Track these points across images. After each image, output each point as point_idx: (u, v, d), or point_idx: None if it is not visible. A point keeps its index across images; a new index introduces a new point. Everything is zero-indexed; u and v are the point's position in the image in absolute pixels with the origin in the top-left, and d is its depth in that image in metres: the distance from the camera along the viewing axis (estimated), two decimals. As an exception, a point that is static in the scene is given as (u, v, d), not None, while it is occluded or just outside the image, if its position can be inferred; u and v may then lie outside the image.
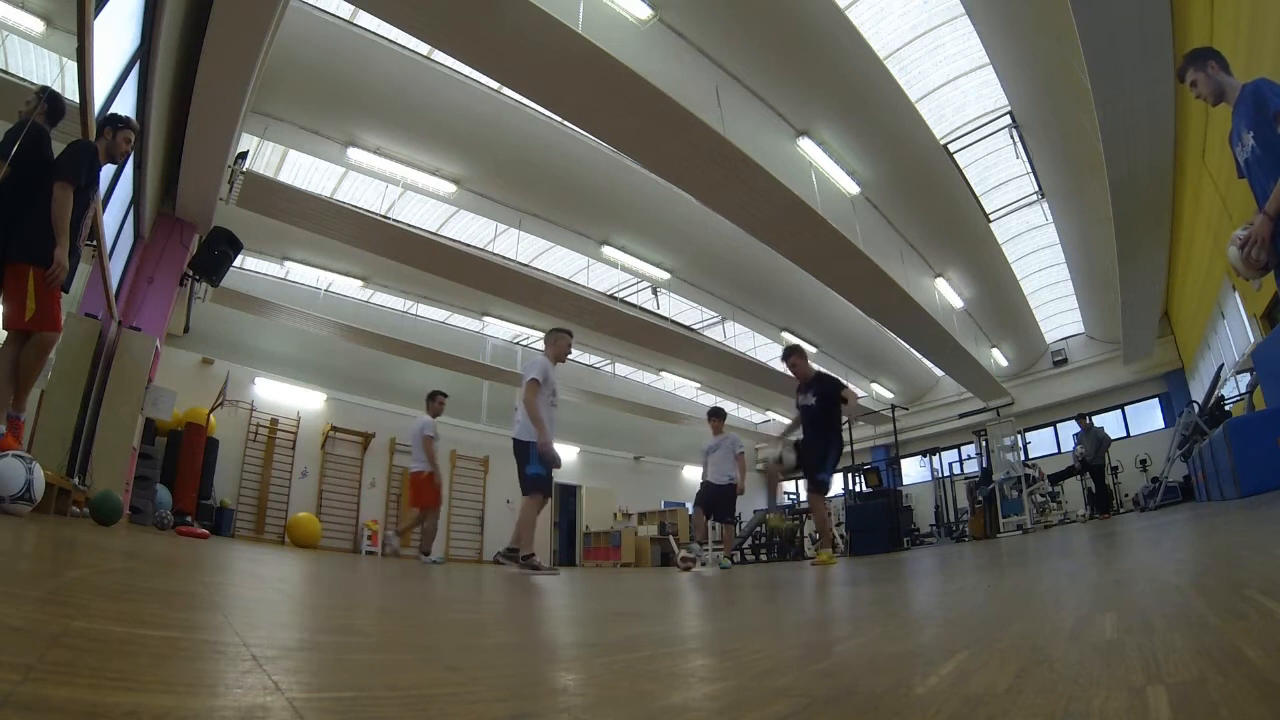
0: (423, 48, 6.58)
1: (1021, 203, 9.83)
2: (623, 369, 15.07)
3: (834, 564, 4.94)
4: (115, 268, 5.35)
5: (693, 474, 15.66)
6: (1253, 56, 4.44)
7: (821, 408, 5.25)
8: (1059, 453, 14.07)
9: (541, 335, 13.36)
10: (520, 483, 4.52)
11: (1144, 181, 6.89)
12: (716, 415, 7.10)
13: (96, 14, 3.11)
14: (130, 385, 5.65)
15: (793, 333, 13.30)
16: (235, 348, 10.77)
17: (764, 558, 11.44)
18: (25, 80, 5.96)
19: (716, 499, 6.71)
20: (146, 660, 0.60)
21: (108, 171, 4.27)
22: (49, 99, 3.17)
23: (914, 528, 13.53)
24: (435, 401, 6.77)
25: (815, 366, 5.70)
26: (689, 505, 7.08)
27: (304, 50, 6.43)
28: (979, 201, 9.60)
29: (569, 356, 5.14)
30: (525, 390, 4.47)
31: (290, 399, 11.39)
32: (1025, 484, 9.63)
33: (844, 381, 5.47)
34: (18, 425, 3.23)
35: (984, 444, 11.03)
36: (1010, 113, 7.92)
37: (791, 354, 5.57)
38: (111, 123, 3.42)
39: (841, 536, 11.37)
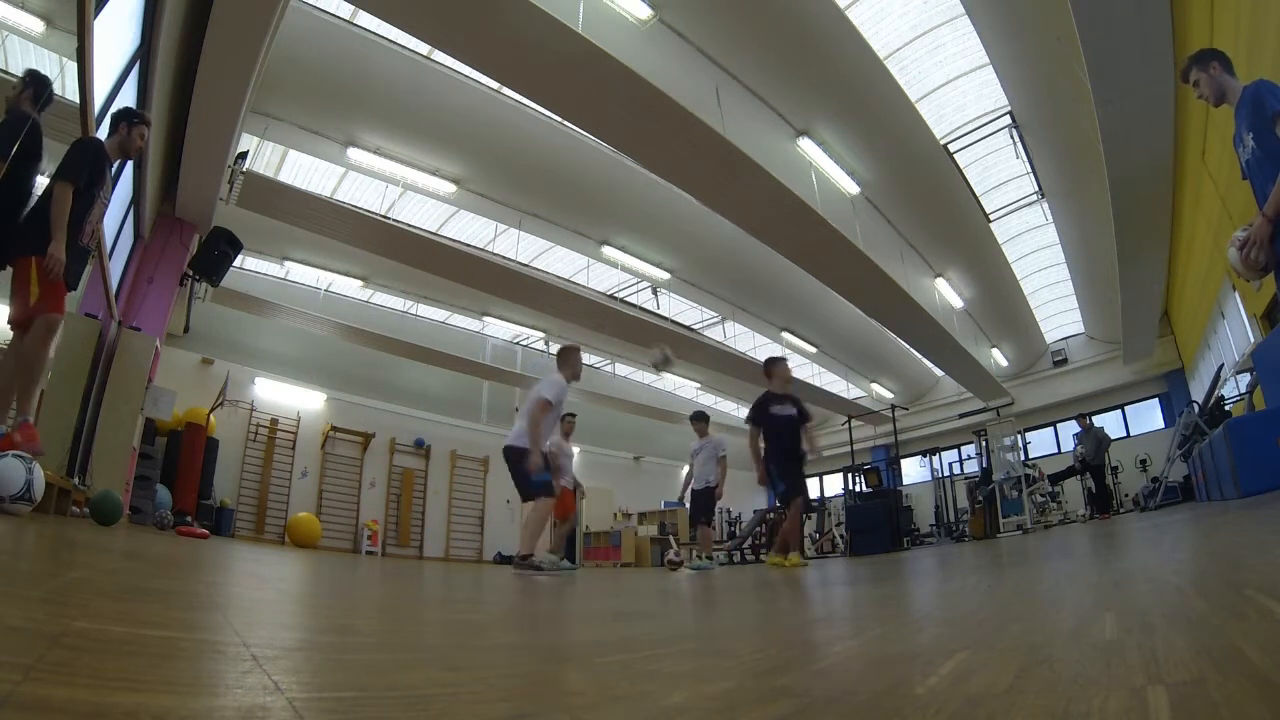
0: (423, 48, 6.58)
1: (1021, 203, 9.83)
2: (623, 369, 15.07)
3: (800, 566, 4.98)
4: (115, 268, 5.37)
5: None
6: (1253, 57, 4.44)
7: (800, 422, 5.34)
8: (1059, 453, 14.06)
9: (542, 335, 13.45)
10: (521, 490, 4.51)
11: (1144, 181, 6.89)
12: (699, 419, 7.12)
13: (96, 14, 3.12)
14: (130, 385, 5.65)
15: (793, 333, 13.29)
16: (235, 348, 10.77)
17: (763, 558, 11.43)
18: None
19: (696, 502, 6.74)
20: (147, 660, 0.60)
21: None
22: (33, 82, 3.13)
23: (914, 528, 13.53)
24: (565, 423, 7.19)
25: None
26: (689, 505, 7.10)
27: (304, 50, 6.43)
28: (979, 201, 9.60)
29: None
30: (535, 407, 4.48)
31: (290, 399, 11.38)
32: (1025, 484, 9.63)
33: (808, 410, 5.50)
34: (28, 429, 3.10)
35: (984, 444, 11.03)
36: (1010, 113, 7.92)
37: (780, 364, 5.58)
38: (126, 117, 3.41)
39: (841, 536, 11.38)
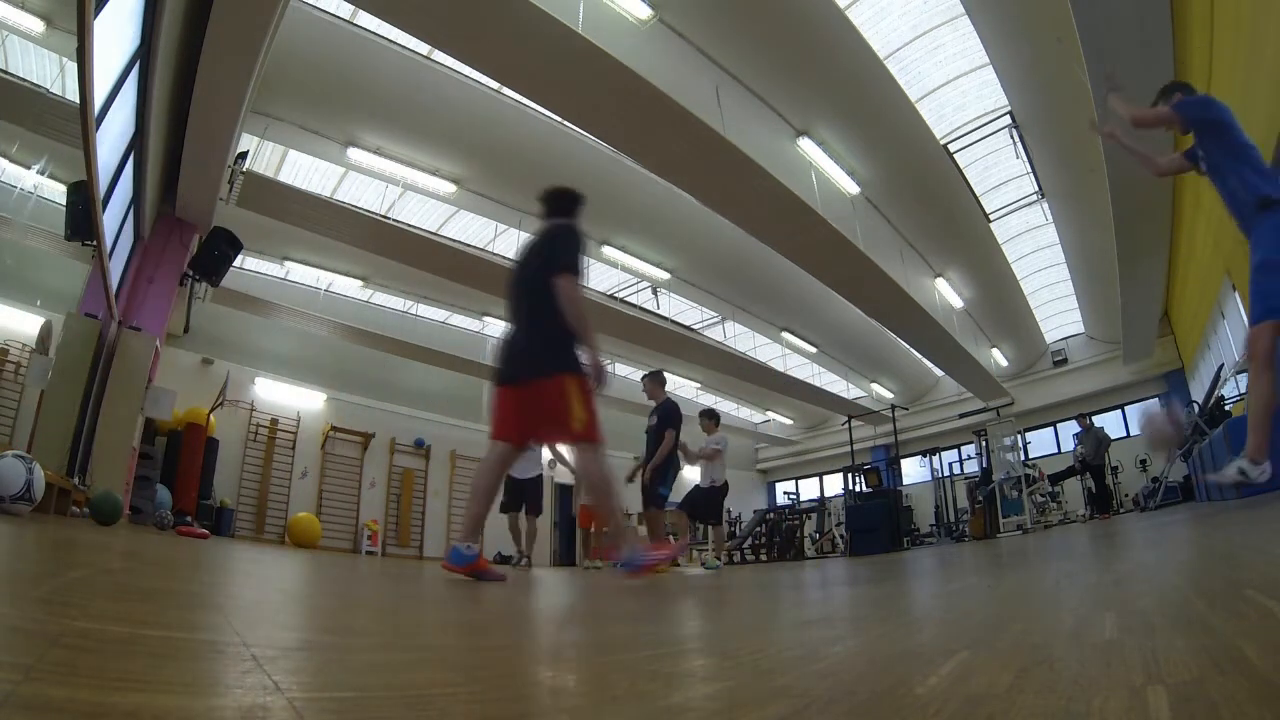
0: (423, 48, 6.58)
1: (1021, 203, 9.83)
2: (623, 369, 15.06)
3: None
4: (115, 268, 5.36)
5: (692, 474, 15.66)
6: (1253, 56, 4.44)
7: (656, 432, 5.73)
8: (1059, 453, 14.05)
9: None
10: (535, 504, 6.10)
11: (1144, 182, 6.86)
12: (708, 416, 7.15)
13: (96, 14, 3.11)
14: (130, 385, 5.66)
15: (793, 333, 13.29)
16: (235, 348, 10.77)
17: (764, 558, 11.44)
18: (25, 80, 5.99)
19: (703, 501, 6.74)
20: (147, 660, 0.60)
21: (107, 169, 4.28)
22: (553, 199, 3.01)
23: (914, 528, 13.53)
24: None
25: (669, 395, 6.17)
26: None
27: (305, 50, 6.43)
28: (979, 201, 9.60)
29: None
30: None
31: (290, 399, 11.38)
32: (1025, 484, 9.62)
33: (677, 424, 5.78)
34: (664, 545, 2.85)
35: (984, 444, 11.02)
36: (1010, 113, 7.92)
37: (645, 378, 6.07)
38: (581, 201, 3.05)
39: (841, 536, 11.38)
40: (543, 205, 3.04)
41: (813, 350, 13.97)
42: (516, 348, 2.80)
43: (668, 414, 5.74)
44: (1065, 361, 14.42)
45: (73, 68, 3.39)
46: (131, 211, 5.93)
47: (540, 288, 2.71)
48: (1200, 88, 5.54)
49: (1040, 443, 14.57)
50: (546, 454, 6.66)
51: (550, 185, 3.07)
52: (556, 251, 2.79)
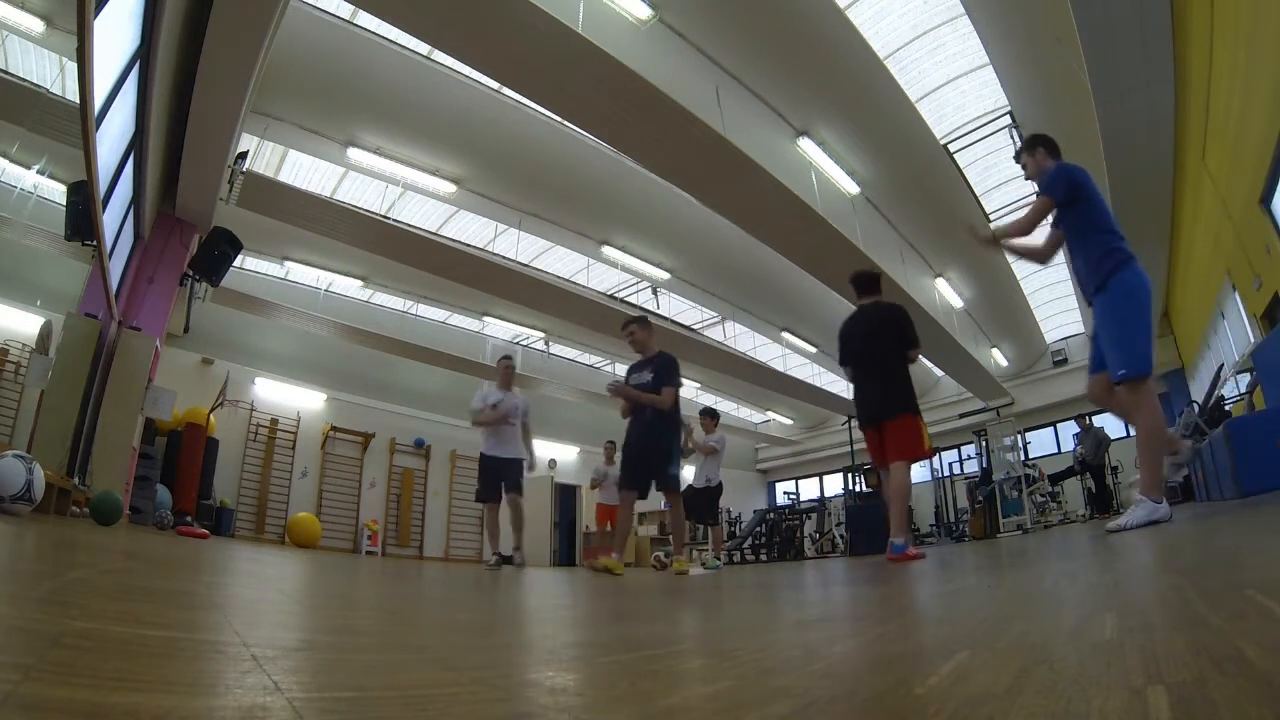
0: (423, 48, 6.59)
1: (1021, 203, 9.82)
2: (623, 369, 15.07)
3: (687, 572, 4.31)
4: (115, 268, 5.36)
5: (685, 474, 15.62)
6: (1253, 56, 4.44)
7: (656, 388, 4.36)
8: (1059, 453, 14.05)
9: (542, 335, 13.44)
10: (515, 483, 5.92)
11: (1144, 181, 6.88)
12: (708, 415, 7.13)
13: (96, 14, 3.11)
14: (130, 385, 5.66)
15: (793, 333, 13.29)
16: (235, 348, 10.78)
17: (764, 557, 11.43)
18: (25, 80, 5.99)
19: (699, 501, 6.70)
20: (146, 660, 0.60)
21: (108, 169, 4.28)
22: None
23: (914, 528, 13.52)
24: (612, 447, 8.57)
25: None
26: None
27: (305, 50, 6.43)
28: (979, 201, 9.60)
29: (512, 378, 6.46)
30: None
31: (290, 399, 11.38)
32: (1025, 484, 9.63)
33: (677, 380, 4.47)
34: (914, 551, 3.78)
35: (984, 444, 11.02)
36: (1010, 113, 7.92)
37: (633, 323, 4.67)
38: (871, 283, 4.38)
39: (841, 536, 11.38)
40: (857, 286, 4.31)
41: (813, 350, 13.97)
42: (874, 399, 4.06)
43: (667, 367, 4.41)
44: (1065, 361, 14.41)
45: (73, 68, 3.39)
46: (131, 211, 5.93)
47: (891, 357, 4.02)
48: (1200, 88, 5.56)
49: (1040, 443, 14.56)
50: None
51: (858, 270, 4.45)
52: (903, 331, 4.06)
